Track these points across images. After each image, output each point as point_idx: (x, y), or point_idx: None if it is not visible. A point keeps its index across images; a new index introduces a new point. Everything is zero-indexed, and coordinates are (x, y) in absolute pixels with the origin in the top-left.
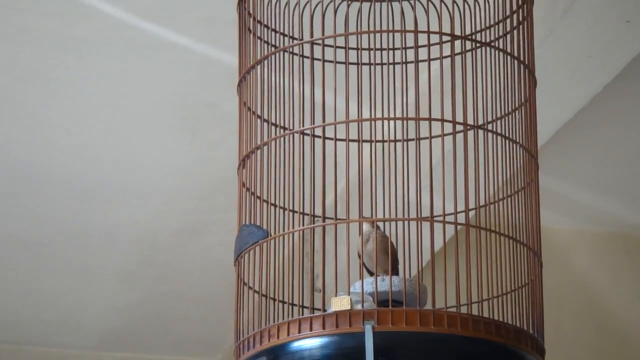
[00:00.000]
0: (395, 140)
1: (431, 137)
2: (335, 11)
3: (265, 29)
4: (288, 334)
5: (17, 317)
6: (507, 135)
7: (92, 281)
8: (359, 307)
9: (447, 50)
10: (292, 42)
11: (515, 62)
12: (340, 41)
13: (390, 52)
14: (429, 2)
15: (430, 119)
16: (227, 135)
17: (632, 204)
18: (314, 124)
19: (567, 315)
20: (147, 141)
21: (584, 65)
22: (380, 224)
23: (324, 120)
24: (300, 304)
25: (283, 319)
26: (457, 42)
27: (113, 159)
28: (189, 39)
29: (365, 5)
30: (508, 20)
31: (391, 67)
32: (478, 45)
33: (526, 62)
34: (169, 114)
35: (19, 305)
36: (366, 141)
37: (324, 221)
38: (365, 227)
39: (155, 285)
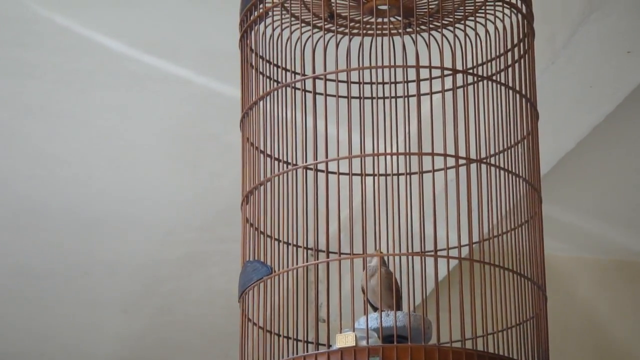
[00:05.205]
0: (398, 174)
1: (434, 171)
2: (337, 45)
3: (267, 64)
4: None
5: (21, 348)
6: (509, 168)
7: (95, 312)
8: (363, 343)
9: (448, 84)
10: (294, 77)
11: (517, 95)
12: (342, 75)
13: (392, 85)
14: (430, 36)
15: (432, 154)
16: (229, 166)
17: (635, 232)
18: (317, 158)
19: (570, 342)
20: (150, 173)
21: (586, 95)
22: (384, 258)
23: (326, 155)
24: (305, 339)
25: (288, 355)
26: (459, 76)
27: (116, 190)
28: (190, 71)
29: (367, 39)
30: (509, 54)
31: (393, 100)
32: (479, 79)
33: (528, 96)
34: (171, 145)
35: (23, 336)
36: (369, 175)
37: (327, 256)
38: (370, 262)
39: (158, 315)
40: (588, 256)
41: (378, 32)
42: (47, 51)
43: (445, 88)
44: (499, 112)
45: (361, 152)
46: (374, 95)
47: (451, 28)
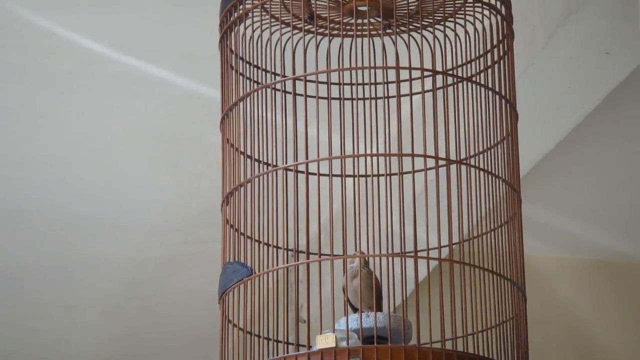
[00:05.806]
0: (378, 175)
1: (414, 172)
2: (317, 47)
3: (247, 65)
4: None
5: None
6: (489, 169)
7: (75, 315)
8: (344, 344)
9: (428, 85)
10: (274, 78)
11: (497, 96)
12: (322, 76)
13: (372, 86)
14: (410, 37)
15: (412, 155)
16: (209, 167)
17: (614, 232)
18: (297, 159)
19: (550, 343)
20: (129, 174)
21: (565, 97)
22: (366, 258)
23: (307, 156)
24: (285, 340)
25: (268, 356)
26: (439, 77)
27: (96, 192)
28: (170, 73)
29: (347, 40)
30: (489, 55)
31: (373, 101)
32: (459, 80)
33: (507, 97)
34: (150, 147)
35: (1, 338)
36: (349, 176)
37: (308, 257)
38: (351, 262)
39: (139, 317)
40: (568, 256)
41: (358, 33)
42: (27, 52)
43: (425, 89)
44: (479, 113)
45: (341, 153)
46: (354, 96)
47: (431, 29)
